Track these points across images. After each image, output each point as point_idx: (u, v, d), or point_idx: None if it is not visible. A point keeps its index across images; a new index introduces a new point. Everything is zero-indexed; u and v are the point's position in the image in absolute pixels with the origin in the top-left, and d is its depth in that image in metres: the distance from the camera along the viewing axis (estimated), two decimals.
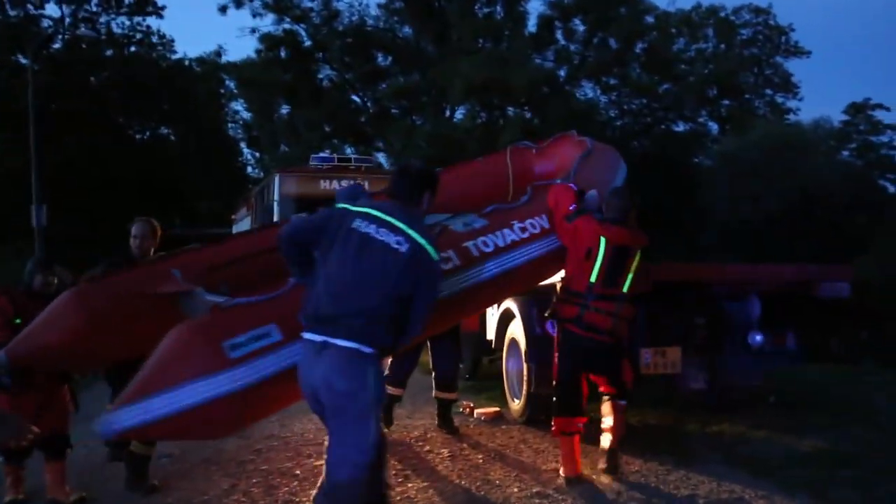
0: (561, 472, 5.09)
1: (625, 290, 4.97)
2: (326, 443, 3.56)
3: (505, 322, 7.22)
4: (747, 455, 5.44)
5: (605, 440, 5.17)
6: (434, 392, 6.91)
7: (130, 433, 3.71)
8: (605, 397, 5.18)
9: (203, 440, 5.15)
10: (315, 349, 3.37)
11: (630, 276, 4.97)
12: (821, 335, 6.95)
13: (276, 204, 14.39)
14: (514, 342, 6.98)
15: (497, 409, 7.29)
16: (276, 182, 14.66)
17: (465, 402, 7.58)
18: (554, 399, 5.11)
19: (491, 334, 7.72)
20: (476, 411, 7.27)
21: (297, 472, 5.50)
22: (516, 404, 6.98)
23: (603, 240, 4.88)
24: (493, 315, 7.66)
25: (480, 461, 5.64)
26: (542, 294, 6.45)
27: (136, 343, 3.93)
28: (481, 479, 5.17)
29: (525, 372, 6.52)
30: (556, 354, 5.12)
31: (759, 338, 6.31)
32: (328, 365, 3.33)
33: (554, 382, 5.15)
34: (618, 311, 4.94)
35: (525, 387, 6.58)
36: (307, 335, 3.42)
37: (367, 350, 3.36)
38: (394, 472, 5.34)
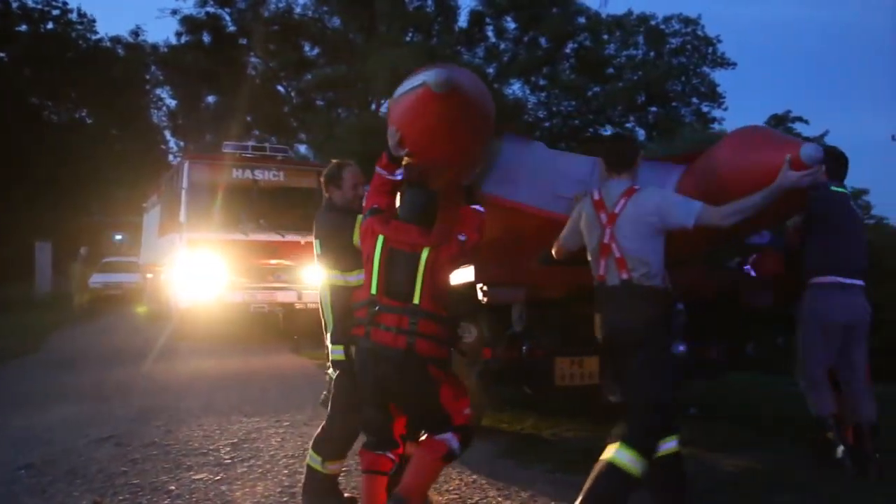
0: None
1: None
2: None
3: None
4: None
5: None
6: None
7: None
8: None
9: None
10: (843, 288, 5.12)
11: None
12: (739, 342, 6.57)
13: (184, 192, 13.68)
14: None
15: None
16: (185, 169, 13.95)
17: None
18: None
19: None
20: None
21: (172, 487, 4.95)
22: None
23: None
24: None
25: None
26: None
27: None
28: None
29: None
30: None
31: (682, 348, 5.91)
32: (857, 299, 5.17)
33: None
34: None
35: None
36: (835, 278, 5.14)
37: None
38: (279, 489, 4.87)
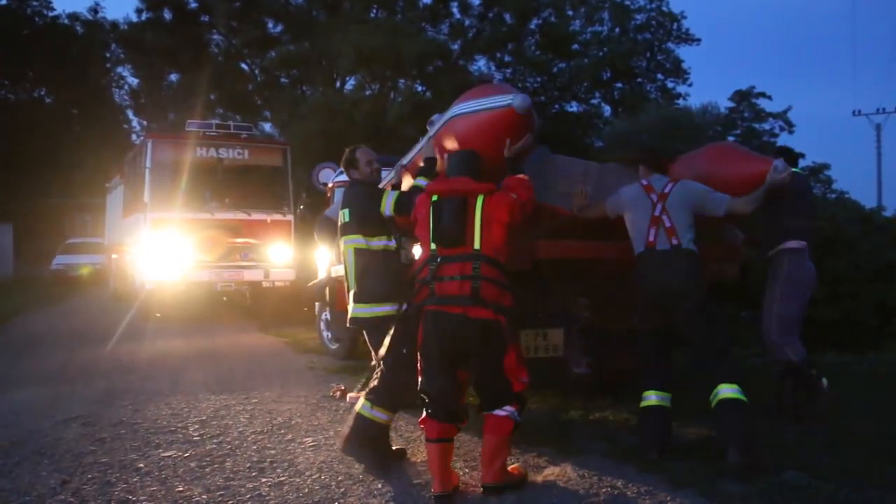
0: None
1: None
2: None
3: None
4: (632, 446, 5.01)
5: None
6: None
7: None
8: None
9: None
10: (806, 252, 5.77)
11: None
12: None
13: (148, 171, 13.55)
14: None
15: None
16: (148, 148, 13.81)
17: (336, 386, 7.11)
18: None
19: None
20: (349, 395, 6.76)
21: (141, 465, 4.97)
22: None
23: None
24: None
25: None
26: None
27: None
28: (344, 472, 4.68)
29: None
30: None
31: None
32: None
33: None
34: None
35: None
36: (804, 243, 5.70)
37: None
38: (248, 464, 4.88)
